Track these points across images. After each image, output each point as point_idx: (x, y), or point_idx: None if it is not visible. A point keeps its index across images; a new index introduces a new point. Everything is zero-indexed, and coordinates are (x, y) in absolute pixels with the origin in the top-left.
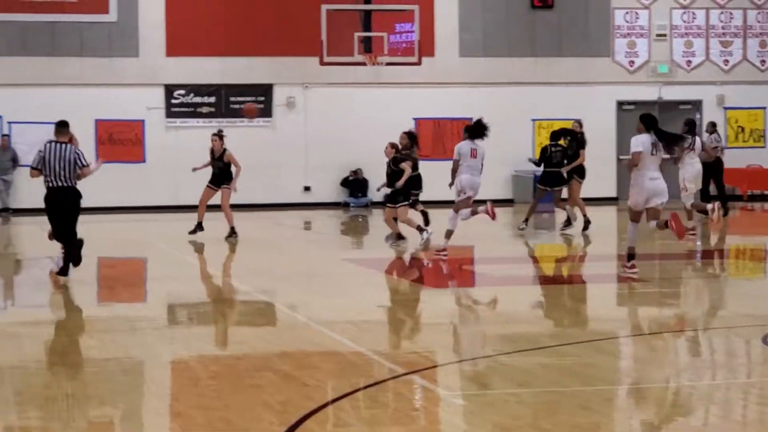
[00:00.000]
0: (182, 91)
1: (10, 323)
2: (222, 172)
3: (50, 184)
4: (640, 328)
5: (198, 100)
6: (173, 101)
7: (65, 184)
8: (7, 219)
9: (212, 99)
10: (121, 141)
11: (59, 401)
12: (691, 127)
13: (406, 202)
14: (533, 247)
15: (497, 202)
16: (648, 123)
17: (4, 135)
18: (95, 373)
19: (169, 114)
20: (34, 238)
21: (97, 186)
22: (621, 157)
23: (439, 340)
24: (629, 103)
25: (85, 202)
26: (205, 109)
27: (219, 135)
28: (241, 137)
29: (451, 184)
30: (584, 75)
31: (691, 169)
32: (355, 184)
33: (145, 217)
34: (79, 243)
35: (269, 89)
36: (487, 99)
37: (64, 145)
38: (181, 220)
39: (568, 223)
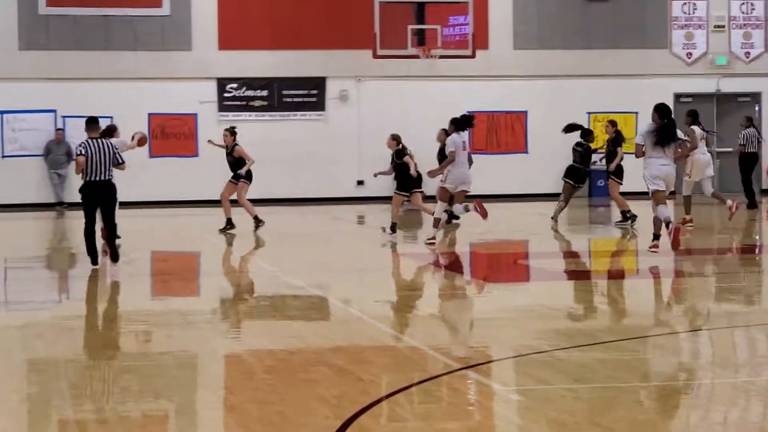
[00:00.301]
0: (234, 85)
1: (65, 317)
2: (233, 166)
3: (90, 178)
4: (698, 324)
5: (250, 93)
6: (226, 95)
7: (103, 178)
8: (62, 213)
9: (265, 92)
10: (174, 135)
11: (114, 395)
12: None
13: (419, 189)
14: (589, 241)
15: (551, 196)
16: (662, 113)
17: (58, 129)
18: (150, 367)
19: (222, 108)
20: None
21: (150, 180)
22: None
23: (495, 335)
24: (686, 95)
25: (138, 196)
26: (257, 103)
27: (231, 131)
28: (295, 131)
29: (433, 174)
30: (641, 67)
31: (699, 159)
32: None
33: (197, 211)
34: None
35: (322, 82)
36: (542, 91)
37: (99, 141)
38: (234, 215)
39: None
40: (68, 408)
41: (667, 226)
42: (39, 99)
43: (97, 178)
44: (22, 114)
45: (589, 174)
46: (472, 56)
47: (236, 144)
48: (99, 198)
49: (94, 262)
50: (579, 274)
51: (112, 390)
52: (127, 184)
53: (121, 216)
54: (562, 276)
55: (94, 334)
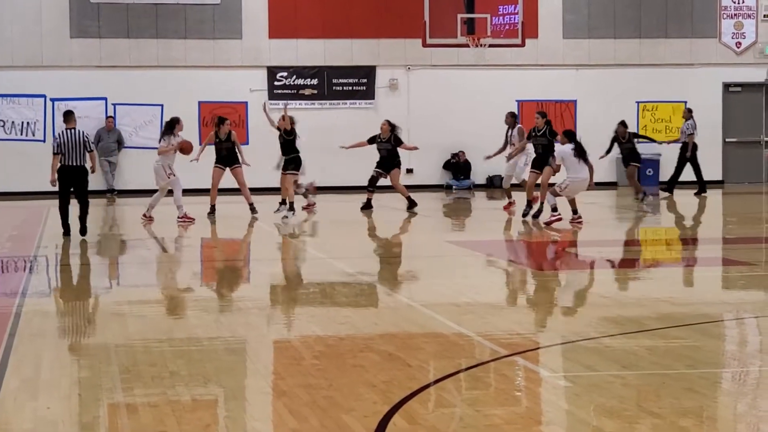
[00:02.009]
0: (284, 73)
1: (116, 302)
2: (230, 153)
3: (65, 163)
4: (746, 312)
5: (300, 82)
6: (276, 83)
7: (76, 164)
8: (112, 200)
9: (315, 81)
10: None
11: (164, 379)
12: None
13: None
14: (636, 230)
15: (601, 185)
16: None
17: (109, 117)
18: (200, 352)
19: (272, 96)
20: (138, 218)
21: (201, 167)
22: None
23: (542, 322)
24: (736, 85)
25: (189, 183)
26: (307, 91)
27: (226, 119)
28: (345, 120)
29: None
30: (690, 56)
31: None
32: (458, 166)
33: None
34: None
35: (372, 71)
36: (592, 81)
37: (73, 131)
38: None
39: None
40: (119, 392)
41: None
42: (90, 87)
43: (71, 164)
44: (73, 101)
45: None
46: (522, 45)
47: (231, 131)
48: (73, 181)
49: (66, 233)
50: (627, 263)
51: (162, 375)
52: (178, 172)
53: (173, 204)
54: (610, 264)
55: (144, 319)
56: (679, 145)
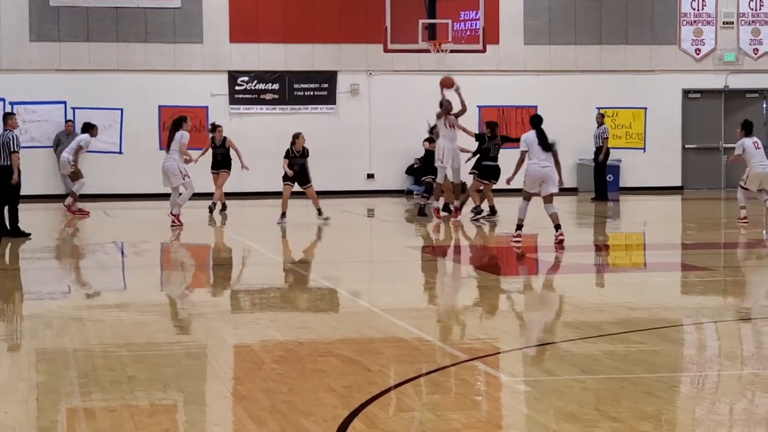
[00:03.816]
0: (246, 78)
1: (74, 307)
2: (224, 157)
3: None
4: (704, 316)
5: (261, 86)
6: (237, 88)
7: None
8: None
9: (276, 86)
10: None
11: (123, 384)
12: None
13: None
14: (596, 235)
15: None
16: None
17: (68, 121)
18: (159, 356)
19: (233, 101)
20: (98, 222)
21: (161, 173)
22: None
23: (502, 327)
24: (695, 91)
25: (147, 189)
26: (268, 96)
27: (219, 126)
28: (305, 125)
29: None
30: (650, 63)
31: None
32: (420, 171)
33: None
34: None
35: (333, 76)
36: (552, 87)
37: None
38: (246, 206)
39: (480, 212)
40: (77, 397)
41: (517, 227)
42: (49, 90)
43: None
44: (32, 105)
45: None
46: (483, 51)
47: (225, 137)
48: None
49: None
50: (586, 268)
51: (121, 379)
52: (138, 176)
53: (134, 208)
54: (570, 269)
55: (103, 323)
56: (593, 150)
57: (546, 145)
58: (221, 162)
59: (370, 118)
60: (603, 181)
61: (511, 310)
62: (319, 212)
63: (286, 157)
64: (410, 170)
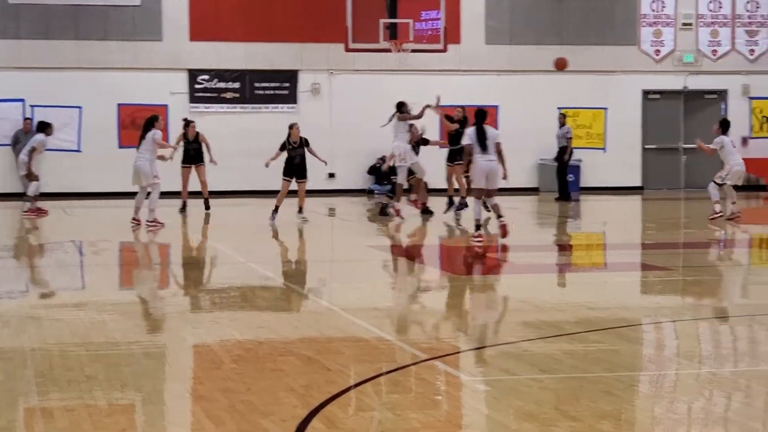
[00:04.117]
0: (206, 76)
1: (32, 306)
2: (197, 153)
3: None
4: (663, 316)
5: (222, 85)
6: (197, 86)
7: None
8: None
9: (236, 84)
10: None
11: (81, 383)
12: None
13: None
14: (557, 234)
15: (523, 191)
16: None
17: (26, 118)
18: (117, 356)
19: (193, 99)
20: (57, 221)
21: (121, 170)
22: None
23: (462, 327)
24: (655, 92)
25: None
26: (229, 95)
27: (192, 122)
28: (266, 124)
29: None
30: (610, 64)
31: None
32: (381, 171)
33: (170, 202)
34: None
35: (294, 75)
36: (514, 87)
37: None
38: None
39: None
40: (34, 396)
41: (476, 227)
42: (7, 88)
43: None
44: None
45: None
46: (444, 51)
47: (198, 132)
48: None
49: None
50: (547, 268)
51: (79, 379)
52: (97, 174)
53: (93, 207)
54: (531, 269)
55: (60, 322)
56: (556, 150)
57: (483, 144)
58: (194, 157)
59: (331, 117)
60: (566, 181)
61: (471, 309)
62: (300, 210)
63: (282, 149)
64: (372, 170)
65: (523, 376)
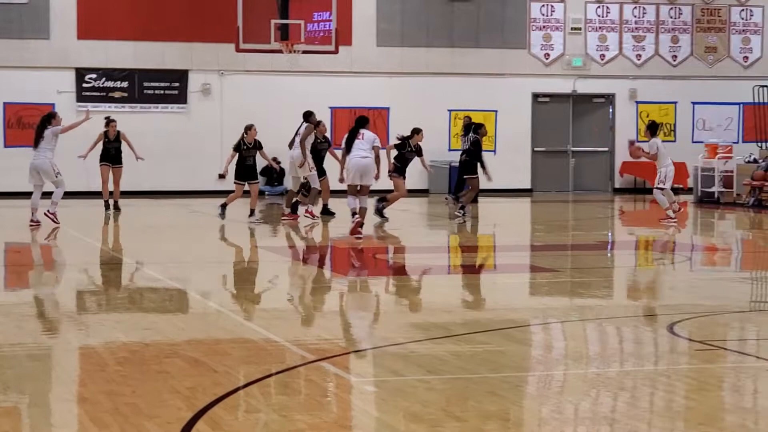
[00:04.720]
0: (94, 75)
1: None
2: (117, 152)
3: None
4: (550, 317)
5: (110, 84)
6: (84, 85)
7: None
8: None
9: (125, 84)
10: (31, 125)
11: None
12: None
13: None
14: (447, 236)
15: (413, 192)
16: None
17: None
18: (0, 358)
19: (80, 98)
20: None
21: (6, 170)
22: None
23: (351, 328)
24: (544, 95)
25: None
26: (117, 94)
27: (113, 121)
28: (156, 123)
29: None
30: (501, 66)
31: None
32: (272, 172)
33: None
34: None
35: (184, 75)
36: (404, 89)
37: None
38: (92, 206)
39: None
40: None
41: (352, 215)
42: None
43: None
44: None
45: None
46: (335, 52)
47: (119, 131)
48: None
49: None
50: (436, 269)
51: None
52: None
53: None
54: (419, 270)
55: None
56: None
57: (349, 146)
58: (114, 156)
59: (222, 118)
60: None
61: (359, 310)
62: (252, 213)
63: (236, 149)
64: (264, 171)
65: (411, 377)
